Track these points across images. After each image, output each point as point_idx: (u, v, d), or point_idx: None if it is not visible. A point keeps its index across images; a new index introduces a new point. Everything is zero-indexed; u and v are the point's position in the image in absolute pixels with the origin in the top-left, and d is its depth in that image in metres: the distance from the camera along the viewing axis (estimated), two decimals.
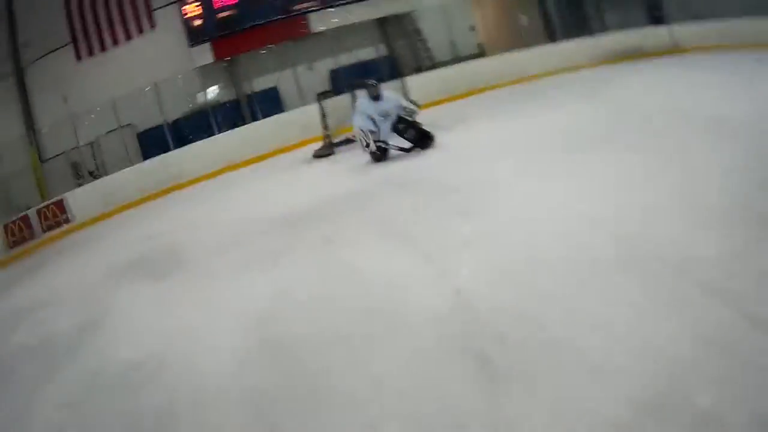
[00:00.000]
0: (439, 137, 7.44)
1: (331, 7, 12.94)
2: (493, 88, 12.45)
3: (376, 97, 7.37)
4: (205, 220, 7.59)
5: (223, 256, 5.38)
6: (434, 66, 12.97)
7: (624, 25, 12.91)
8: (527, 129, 7.18)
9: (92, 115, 12.77)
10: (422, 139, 7.26)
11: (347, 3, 12.97)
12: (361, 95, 7.76)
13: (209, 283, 4.75)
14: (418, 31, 13.66)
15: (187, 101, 12.99)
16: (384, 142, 7.31)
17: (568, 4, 14.51)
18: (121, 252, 7.29)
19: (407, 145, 7.30)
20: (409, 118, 7.37)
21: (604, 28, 13.36)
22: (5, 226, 13.03)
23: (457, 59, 13.12)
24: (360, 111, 7.47)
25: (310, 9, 12.90)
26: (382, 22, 13.62)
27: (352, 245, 4.54)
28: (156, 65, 12.89)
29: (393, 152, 7.37)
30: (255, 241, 5.53)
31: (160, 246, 6.80)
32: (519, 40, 13.36)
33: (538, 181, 4.76)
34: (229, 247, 5.60)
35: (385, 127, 7.36)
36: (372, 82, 7.58)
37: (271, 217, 6.20)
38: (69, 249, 10.24)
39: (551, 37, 14.17)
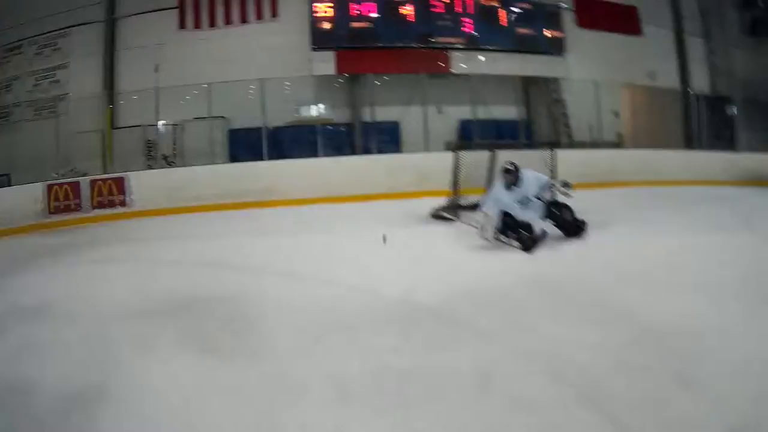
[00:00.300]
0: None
1: (477, 49, 11.53)
2: (631, 184, 11.22)
3: (514, 183, 6.14)
4: (291, 271, 5.70)
5: (311, 353, 3.57)
6: (571, 144, 11.60)
7: (759, 146, 12.32)
8: (693, 253, 5.76)
9: (186, 97, 11.19)
10: (576, 228, 6.23)
11: (495, 50, 11.57)
12: (498, 180, 6.55)
13: (289, 404, 2.93)
14: (561, 102, 12.28)
15: (293, 109, 11.44)
16: (527, 227, 6.01)
17: (710, 114, 13.62)
18: (170, 276, 5.81)
19: (538, 232, 6.02)
20: (562, 202, 6.23)
21: (741, 146, 12.83)
22: (49, 186, 11.46)
23: (595, 143, 11.79)
24: (493, 198, 6.24)
25: (452, 45, 11.47)
26: (526, 82, 12.23)
27: (535, 415, 2.76)
28: (267, 60, 11.35)
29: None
30: (365, 338, 3.74)
31: (222, 288, 5.19)
32: (659, 139, 12.22)
33: None
34: (323, 334, 3.83)
35: (528, 213, 6.12)
36: (511, 166, 6.22)
37: (384, 298, 4.55)
38: (109, 243, 8.67)
39: (689, 142, 13.09)
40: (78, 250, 8.11)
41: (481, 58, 11.54)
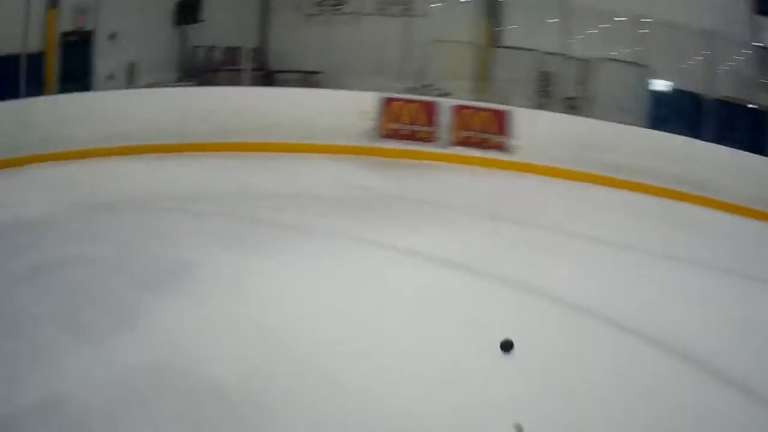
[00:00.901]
0: None
1: None
2: None
3: None
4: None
5: None
6: None
7: None
8: None
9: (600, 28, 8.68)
10: None
11: None
12: None
13: None
14: None
15: (731, 82, 9.41)
16: None
17: None
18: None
19: None
20: None
21: None
22: (387, 101, 9.04)
23: None
24: None
25: None
26: None
27: None
28: (702, 8, 9.13)
29: None
30: None
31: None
32: None
33: None
34: None
35: None
36: None
37: None
38: (457, 210, 6.75)
39: None
40: (400, 215, 5.98)
41: None
